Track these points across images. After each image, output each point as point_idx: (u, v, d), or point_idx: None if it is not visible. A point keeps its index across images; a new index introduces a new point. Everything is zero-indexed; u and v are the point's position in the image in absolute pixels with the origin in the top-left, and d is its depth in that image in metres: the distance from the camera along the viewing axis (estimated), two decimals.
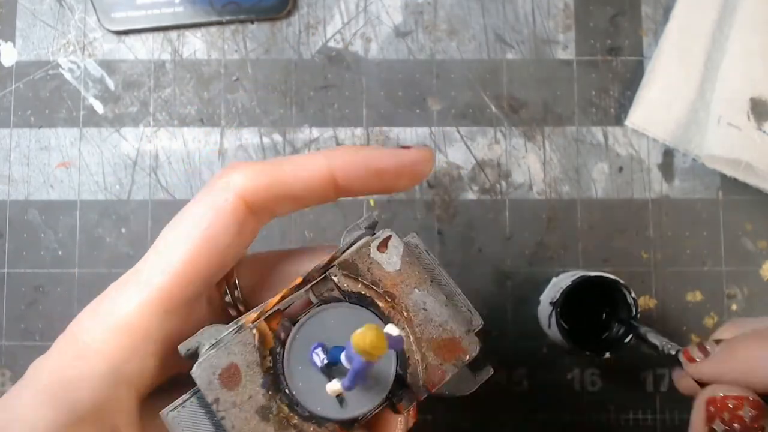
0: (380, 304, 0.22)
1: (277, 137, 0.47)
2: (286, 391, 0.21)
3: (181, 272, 0.23)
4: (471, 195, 0.47)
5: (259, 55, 0.48)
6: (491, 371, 0.24)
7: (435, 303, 0.23)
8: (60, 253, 0.46)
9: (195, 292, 0.23)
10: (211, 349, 0.21)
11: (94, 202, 0.46)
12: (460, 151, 0.47)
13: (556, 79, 0.47)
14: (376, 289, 0.22)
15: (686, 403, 0.45)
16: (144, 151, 0.47)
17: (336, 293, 0.22)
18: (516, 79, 0.47)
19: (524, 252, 0.46)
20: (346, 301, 0.22)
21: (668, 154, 0.47)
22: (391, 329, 0.20)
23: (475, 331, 0.24)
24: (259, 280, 0.26)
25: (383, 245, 0.23)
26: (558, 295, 0.40)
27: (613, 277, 0.40)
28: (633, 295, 0.39)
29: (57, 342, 0.23)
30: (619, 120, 0.47)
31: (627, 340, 0.39)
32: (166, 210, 0.46)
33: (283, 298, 0.22)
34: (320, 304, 0.22)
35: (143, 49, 0.48)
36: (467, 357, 0.23)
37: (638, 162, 0.47)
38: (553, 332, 0.41)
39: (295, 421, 0.21)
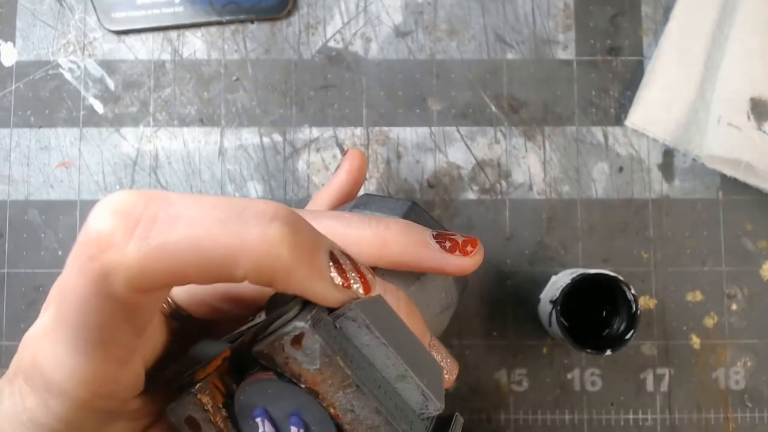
0: (309, 395, 0.20)
1: (277, 137, 0.47)
2: None
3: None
4: (471, 195, 0.47)
5: (259, 55, 0.48)
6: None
7: (364, 408, 0.19)
8: (60, 253, 0.46)
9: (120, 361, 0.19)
10: (176, 400, 0.20)
11: (94, 202, 0.46)
12: (460, 151, 0.47)
13: (556, 79, 0.47)
14: (298, 384, 0.20)
15: (686, 403, 0.46)
16: (144, 151, 0.47)
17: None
18: (516, 79, 0.47)
19: (524, 252, 0.46)
20: (280, 378, 0.20)
21: (668, 154, 0.47)
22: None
23: (430, 416, 0.21)
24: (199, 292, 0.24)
25: (297, 342, 0.19)
26: (558, 294, 0.40)
27: (612, 274, 0.40)
28: (633, 291, 0.40)
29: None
30: (619, 120, 0.47)
31: (628, 337, 0.39)
32: None
33: (216, 367, 0.21)
34: (260, 374, 0.20)
35: (143, 49, 0.48)
36: None
37: (638, 162, 0.47)
38: (554, 330, 0.41)
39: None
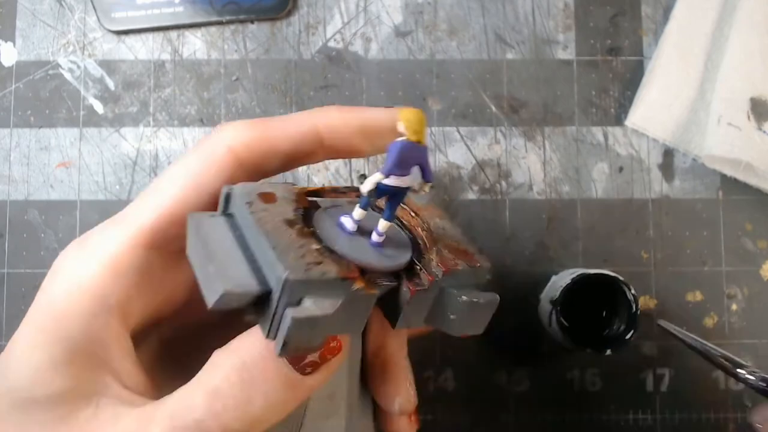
0: (404, 219, 0.25)
1: None
2: (314, 230, 0.22)
3: (167, 212, 0.24)
4: (471, 195, 0.47)
5: (259, 55, 0.48)
6: (496, 298, 0.24)
7: (451, 228, 0.25)
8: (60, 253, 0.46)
9: (177, 233, 0.24)
10: (261, 182, 0.24)
11: (94, 202, 0.46)
12: (460, 151, 0.47)
13: (556, 79, 0.47)
14: (405, 207, 0.25)
15: (686, 403, 0.46)
16: (144, 151, 0.47)
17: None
18: (516, 79, 0.47)
19: (524, 252, 0.46)
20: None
21: (668, 154, 0.47)
22: (381, 224, 0.23)
23: (485, 266, 0.25)
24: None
25: (421, 188, 0.24)
26: (558, 294, 0.40)
27: (612, 274, 0.40)
28: (633, 291, 0.39)
29: (47, 277, 0.24)
30: (619, 120, 0.47)
31: (628, 337, 0.39)
32: None
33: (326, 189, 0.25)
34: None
35: (143, 49, 0.48)
36: (479, 264, 0.24)
37: (638, 162, 0.47)
38: (554, 331, 0.41)
39: (315, 245, 0.22)
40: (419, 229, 0.25)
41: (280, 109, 0.47)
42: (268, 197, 0.23)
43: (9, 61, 0.47)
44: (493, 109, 0.47)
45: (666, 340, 0.46)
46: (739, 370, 0.28)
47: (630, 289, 0.40)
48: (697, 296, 0.46)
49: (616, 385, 0.45)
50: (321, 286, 0.20)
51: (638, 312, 0.39)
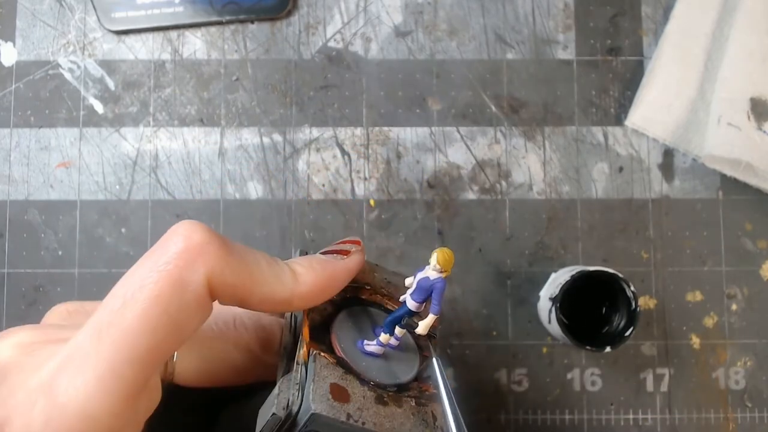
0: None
1: (277, 137, 0.47)
2: (362, 377, 0.25)
3: (148, 361, 0.21)
4: (471, 195, 0.47)
5: (259, 55, 0.48)
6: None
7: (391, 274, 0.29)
8: (60, 253, 0.46)
9: (152, 374, 0.22)
10: (303, 390, 0.23)
11: (94, 202, 0.46)
12: (460, 151, 0.47)
13: (556, 79, 0.47)
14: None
15: (686, 403, 0.46)
16: (144, 151, 0.47)
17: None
18: (516, 79, 0.47)
19: (524, 252, 0.46)
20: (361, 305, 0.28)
21: (668, 154, 0.47)
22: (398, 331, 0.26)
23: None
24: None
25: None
26: (557, 291, 0.40)
27: (611, 271, 0.40)
28: (632, 288, 0.39)
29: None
30: (619, 120, 0.47)
31: (627, 334, 0.39)
32: (166, 210, 0.46)
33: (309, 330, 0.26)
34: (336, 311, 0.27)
35: (143, 49, 0.48)
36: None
37: (638, 162, 0.47)
38: (554, 328, 0.41)
39: (385, 397, 0.24)
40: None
41: (280, 109, 0.47)
42: (342, 395, 0.23)
43: (9, 61, 0.47)
44: (493, 109, 0.47)
45: (666, 340, 0.46)
46: None
47: (629, 286, 0.40)
48: (697, 296, 0.46)
49: (616, 385, 0.45)
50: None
51: (638, 309, 0.39)
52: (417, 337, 0.27)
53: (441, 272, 0.24)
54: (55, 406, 0.20)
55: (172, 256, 0.21)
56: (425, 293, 0.24)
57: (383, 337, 0.25)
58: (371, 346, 0.26)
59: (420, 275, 0.24)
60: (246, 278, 0.22)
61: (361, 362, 0.25)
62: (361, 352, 0.26)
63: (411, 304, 0.25)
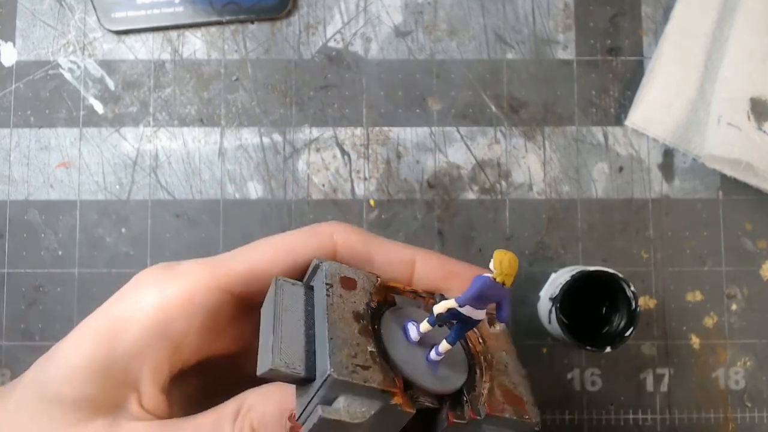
0: (471, 341, 0.25)
1: (277, 137, 0.47)
2: (378, 328, 0.24)
3: (256, 268, 0.25)
4: (471, 195, 0.47)
5: (259, 55, 0.48)
6: None
7: (515, 368, 0.25)
8: (60, 253, 0.46)
9: (258, 289, 0.25)
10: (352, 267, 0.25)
11: (94, 202, 0.46)
12: (460, 151, 0.47)
13: (556, 79, 0.47)
14: (476, 331, 0.26)
15: (686, 403, 0.46)
16: (144, 151, 0.47)
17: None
18: (516, 79, 0.47)
19: (524, 252, 0.46)
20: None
21: (668, 154, 0.47)
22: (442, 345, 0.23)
23: (534, 422, 0.24)
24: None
25: (493, 323, 0.27)
26: (557, 291, 0.40)
27: (611, 271, 0.40)
28: (632, 288, 0.39)
29: (124, 289, 0.25)
30: (619, 120, 0.47)
31: (627, 333, 0.39)
32: (166, 210, 0.46)
33: (404, 287, 0.26)
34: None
35: (143, 49, 0.48)
36: (527, 417, 0.23)
37: (638, 162, 0.47)
38: (554, 328, 0.41)
39: (371, 347, 0.22)
40: (482, 357, 0.25)
41: (280, 109, 0.47)
42: (349, 283, 0.24)
43: (9, 61, 0.47)
44: (493, 109, 0.47)
45: (666, 340, 0.46)
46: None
47: (629, 286, 0.40)
48: (697, 296, 0.46)
49: (616, 385, 0.45)
50: (360, 391, 0.21)
51: (638, 309, 0.39)
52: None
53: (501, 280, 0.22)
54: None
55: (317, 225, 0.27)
56: (484, 300, 0.22)
57: (443, 346, 0.23)
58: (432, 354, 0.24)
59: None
60: (371, 241, 0.27)
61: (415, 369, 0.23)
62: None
63: (476, 314, 0.22)
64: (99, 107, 0.47)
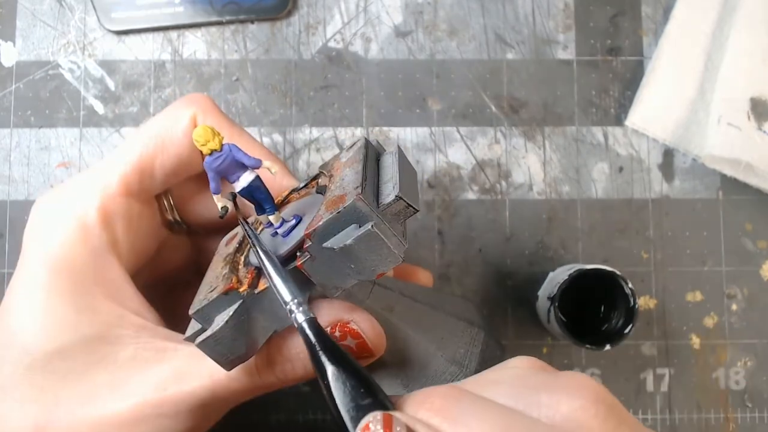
0: (327, 183, 0.27)
1: (277, 137, 0.47)
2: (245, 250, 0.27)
3: (138, 164, 0.27)
4: (471, 195, 0.47)
5: (259, 55, 0.48)
6: (368, 228, 0.23)
7: (351, 174, 0.25)
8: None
9: (149, 183, 0.27)
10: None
11: None
12: (460, 151, 0.47)
13: (556, 79, 0.47)
14: (326, 173, 0.28)
15: (686, 403, 0.46)
16: None
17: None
18: (516, 79, 0.47)
19: (524, 252, 0.46)
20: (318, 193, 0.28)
21: (668, 154, 0.47)
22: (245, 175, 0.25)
23: (387, 202, 0.24)
24: (189, 195, 0.31)
25: (350, 149, 0.28)
26: (556, 290, 0.40)
27: (609, 269, 0.40)
28: (630, 285, 0.39)
29: (30, 229, 0.28)
30: (619, 120, 0.47)
31: (627, 331, 0.39)
32: None
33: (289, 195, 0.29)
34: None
35: (143, 49, 0.48)
36: (341, 206, 0.23)
37: (638, 162, 0.47)
38: (553, 327, 0.41)
39: (240, 264, 0.26)
40: (331, 186, 0.26)
41: (280, 109, 0.47)
42: (229, 239, 0.28)
43: (9, 61, 0.47)
44: (493, 109, 0.47)
45: (666, 340, 0.46)
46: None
47: (627, 283, 0.39)
48: (697, 296, 0.46)
49: (616, 385, 0.45)
50: (217, 305, 0.24)
51: (636, 306, 0.39)
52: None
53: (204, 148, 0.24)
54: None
55: (174, 104, 0.29)
56: (227, 172, 0.24)
57: (264, 218, 0.26)
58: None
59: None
60: (225, 126, 0.28)
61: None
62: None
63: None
64: (99, 107, 0.47)
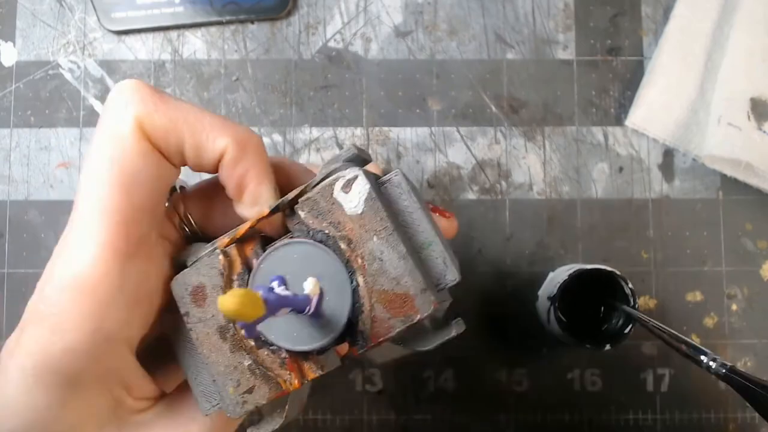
0: (342, 246, 0.21)
1: (277, 137, 0.47)
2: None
3: (119, 218, 0.21)
4: (471, 195, 0.47)
5: (259, 55, 0.48)
6: (455, 332, 0.22)
7: (392, 254, 0.21)
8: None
9: (140, 233, 0.22)
10: (190, 266, 0.22)
11: None
12: (460, 151, 0.47)
13: (556, 79, 0.47)
14: (336, 231, 0.21)
15: (686, 403, 0.46)
16: None
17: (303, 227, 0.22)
18: (516, 79, 0.47)
19: (524, 252, 0.46)
20: (311, 239, 0.22)
21: (668, 154, 0.47)
22: (308, 284, 0.20)
23: (446, 287, 0.22)
24: (208, 210, 0.26)
25: (347, 186, 0.21)
26: (555, 290, 0.40)
27: (609, 268, 0.40)
28: (630, 285, 0.39)
29: (24, 323, 0.22)
30: (619, 120, 0.47)
31: (627, 331, 0.39)
32: None
33: (251, 226, 0.22)
34: (289, 239, 0.22)
35: (143, 49, 0.48)
36: (417, 316, 0.21)
37: (638, 162, 0.47)
38: (552, 327, 0.41)
39: (251, 344, 0.22)
40: (356, 257, 0.21)
41: (280, 109, 0.47)
42: (199, 297, 0.22)
43: (9, 61, 0.47)
44: (493, 109, 0.47)
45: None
46: (702, 357, 0.27)
47: (627, 283, 0.39)
48: (697, 296, 0.46)
49: (616, 385, 0.45)
50: (263, 408, 0.22)
51: (636, 305, 0.39)
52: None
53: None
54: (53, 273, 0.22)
55: (104, 114, 0.22)
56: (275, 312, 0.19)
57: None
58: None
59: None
60: (178, 121, 0.22)
61: None
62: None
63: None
64: (99, 107, 0.47)
